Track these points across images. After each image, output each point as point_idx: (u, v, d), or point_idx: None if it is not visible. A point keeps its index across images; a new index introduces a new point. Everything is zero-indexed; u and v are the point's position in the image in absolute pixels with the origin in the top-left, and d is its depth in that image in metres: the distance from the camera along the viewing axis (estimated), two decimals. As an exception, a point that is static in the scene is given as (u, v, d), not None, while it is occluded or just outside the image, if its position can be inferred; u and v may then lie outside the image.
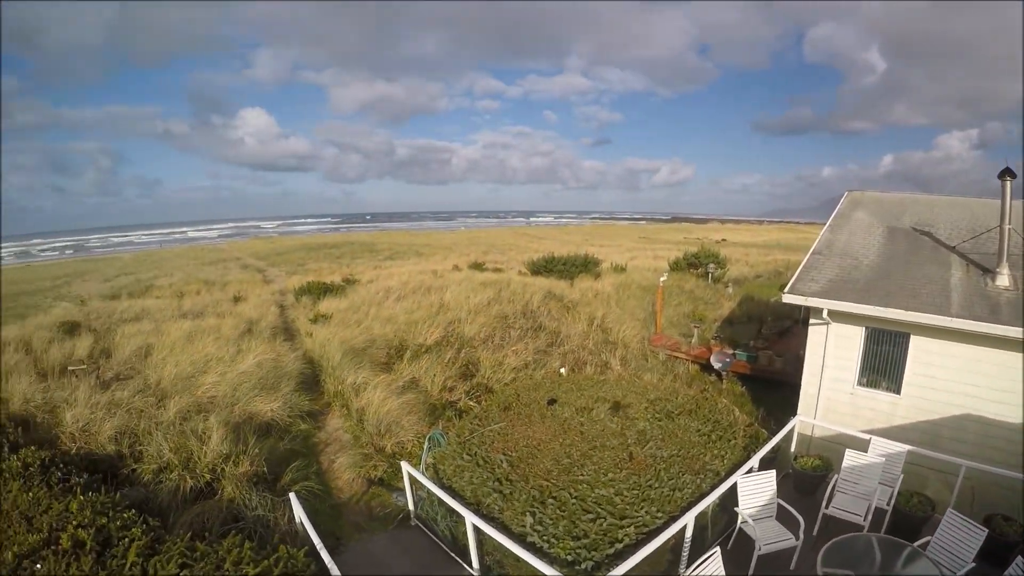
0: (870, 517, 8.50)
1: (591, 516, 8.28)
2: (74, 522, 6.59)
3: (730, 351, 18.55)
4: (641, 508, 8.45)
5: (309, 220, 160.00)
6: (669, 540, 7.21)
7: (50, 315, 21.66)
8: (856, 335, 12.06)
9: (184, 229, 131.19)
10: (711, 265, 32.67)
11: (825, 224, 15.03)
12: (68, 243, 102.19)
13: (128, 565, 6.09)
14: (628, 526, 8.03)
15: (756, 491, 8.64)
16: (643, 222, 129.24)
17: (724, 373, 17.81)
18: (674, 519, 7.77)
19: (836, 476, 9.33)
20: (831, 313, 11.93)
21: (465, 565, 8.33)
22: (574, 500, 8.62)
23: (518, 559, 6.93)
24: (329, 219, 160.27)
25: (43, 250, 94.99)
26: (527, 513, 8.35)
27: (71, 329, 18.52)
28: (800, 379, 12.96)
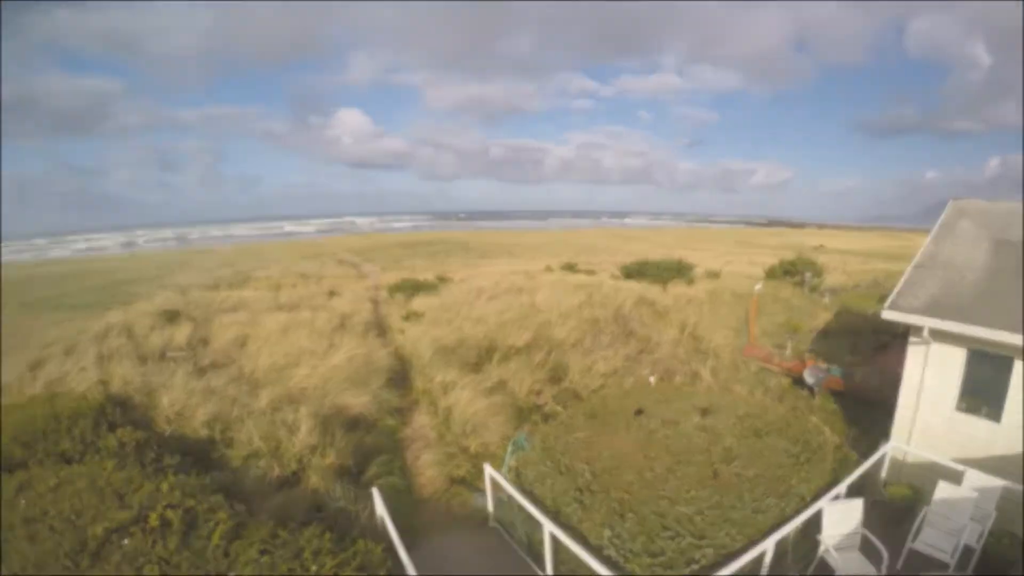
0: (957, 555, 7.97)
1: (670, 533, 8.30)
2: (163, 502, 6.78)
3: (824, 366, 17.97)
4: (721, 529, 8.40)
5: (404, 217, 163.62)
6: (747, 564, 7.00)
7: (152, 303, 22.70)
8: (957, 356, 11.26)
9: (282, 223, 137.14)
10: (807, 274, 31.59)
11: (928, 232, 14.40)
12: (171, 235, 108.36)
13: (212, 547, 6.27)
14: (707, 547, 8.03)
15: (841, 519, 8.21)
16: (739, 226, 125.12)
17: (817, 389, 17.36)
18: (754, 543, 7.55)
19: (926, 508, 8.74)
20: (932, 332, 11.33)
21: (539, 571, 8.20)
22: (654, 516, 8.60)
23: (592, 571, 6.80)
24: (423, 216, 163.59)
25: (148, 241, 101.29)
26: (606, 526, 8.39)
27: (171, 317, 19.64)
28: (895, 400, 12.52)
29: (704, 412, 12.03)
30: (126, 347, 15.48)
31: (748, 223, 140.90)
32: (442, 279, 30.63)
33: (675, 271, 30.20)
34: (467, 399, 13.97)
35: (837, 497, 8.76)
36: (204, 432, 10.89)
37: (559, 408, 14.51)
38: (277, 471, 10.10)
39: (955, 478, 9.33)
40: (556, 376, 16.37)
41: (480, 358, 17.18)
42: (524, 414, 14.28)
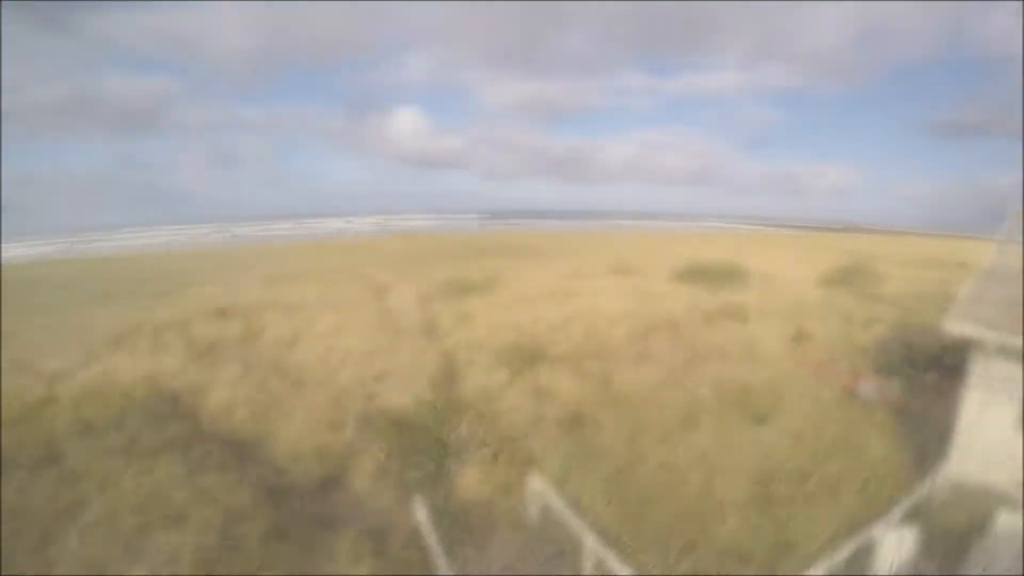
0: (1018, 587, 7.34)
1: (715, 554, 8.10)
2: (207, 498, 6.91)
3: (883, 381, 17.38)
4: (771, 553, 8.20)
5: (469, 215, 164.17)
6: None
7: (207, 298, 23.20)
8: (1021, 374, 10.90)
9: (343, 219, 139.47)
10: (871, 282, 30.60)
11: (997, 241, 13.66)
12: (237, 230, 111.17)
13: (252, 545, 6.33)
14: (754, 572, 7.86)
15: (895, 547, 7.90)
16: (805, 231, 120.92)
17: (873, 404, 16.71)
18: (806, 567, 7.49)
19: (985, 537, 8.34)
20: (995, 346, 10.86)
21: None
22: (700, 534, 8.40)
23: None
24: (481, 215, 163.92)
25: (207, 234, 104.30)
26: (650, 543, 8.30)
27: (223, 312, 20.10)
28: (955, 418, 11.91)
29: (758, 423, 11.56)
30: (176, 342, 15.90)
31: (815, 228, 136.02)
32: (495, 280, 30.23)
33: (734, 276, 29.53)
34: (514, 404, 13.85)
35: (893, 522, 8.48)
36: (249, 429, 10.97)
37: (607, 416, 13.99)
38: (321, 471, 10.09)
39: (1017, 504, 8.83)
40: (606, 382, 15.94)
41: (531, 362, 16.89)
42: (573, 421, 13.83)
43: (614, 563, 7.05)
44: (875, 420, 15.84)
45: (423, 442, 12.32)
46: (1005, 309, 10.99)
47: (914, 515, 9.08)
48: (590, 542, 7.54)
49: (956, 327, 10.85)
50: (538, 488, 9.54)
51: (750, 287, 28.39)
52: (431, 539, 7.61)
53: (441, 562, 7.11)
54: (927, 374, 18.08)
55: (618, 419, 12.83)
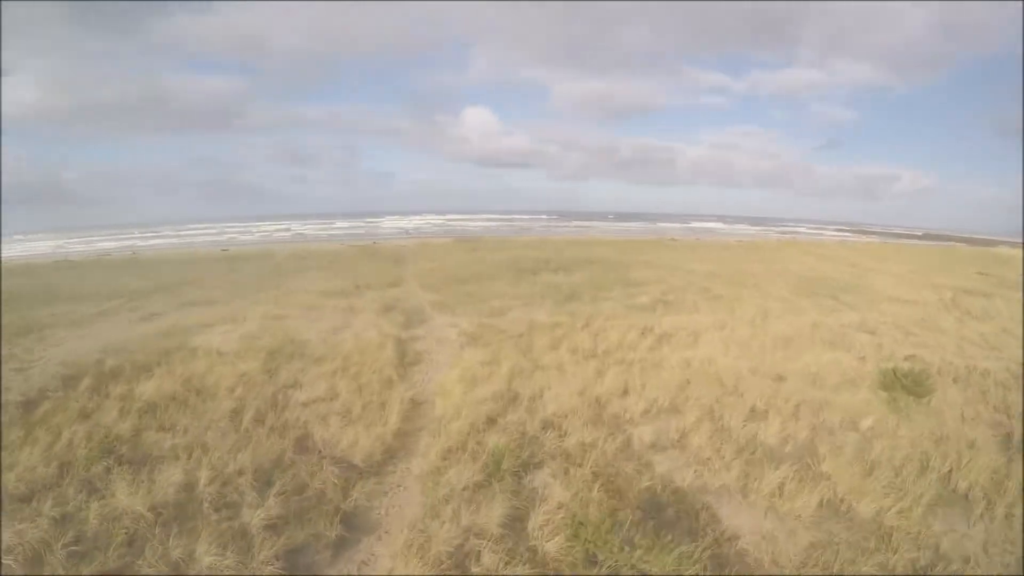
0: None
1: None
2: None
3: None
4: None
5: (541, 215, 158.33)
6: None
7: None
8: None
9: (422, 217, 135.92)
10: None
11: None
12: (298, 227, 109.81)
13: None
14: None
15: None
16: (876, 237, 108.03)
17: None
18: None
19: None
20: None
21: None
22: None
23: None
24: (555, 216, 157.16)
25: (276, 230, 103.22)
26: None
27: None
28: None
29: None
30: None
31: (888, 234, 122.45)
32: (589, 326, 16.79)
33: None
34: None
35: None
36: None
37: None
38: None
39: None
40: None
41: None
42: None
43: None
44: None
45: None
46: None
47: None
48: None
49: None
50: None
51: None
52: None
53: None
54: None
55: None
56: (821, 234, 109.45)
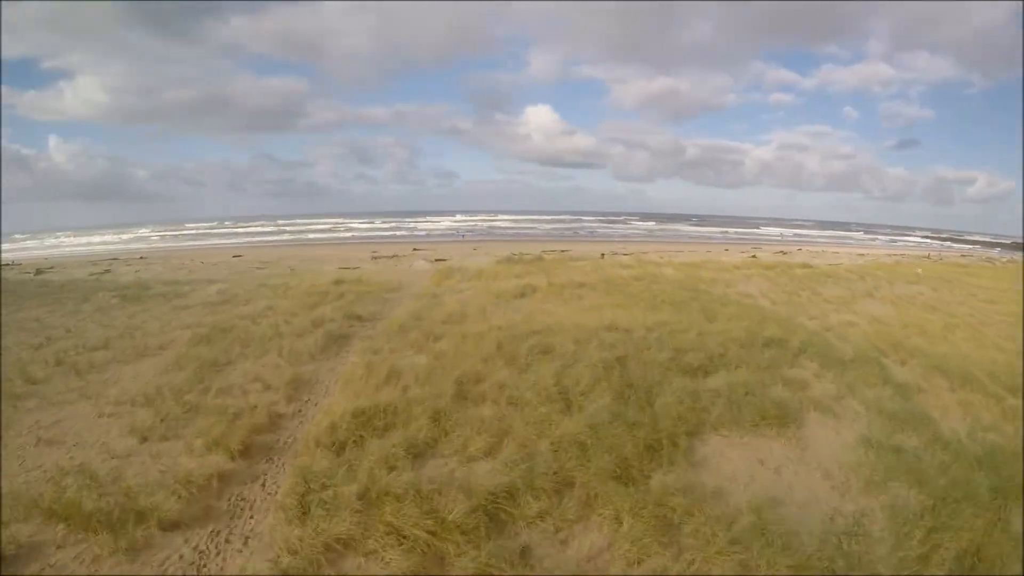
0: None
1: None
2: None
3: None
4: None
5: (611, 215, 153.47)
6: None
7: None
8: None
9: (487, 217, 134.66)
10: None
11: None
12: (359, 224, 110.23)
13: None
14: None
15: None
16: (951, 243, 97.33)
17: None
18: None
19: None
20: None
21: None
22: None
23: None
24: (620, 216, 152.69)
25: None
26: None
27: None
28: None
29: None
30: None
31: (964, 241, 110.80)
32: None
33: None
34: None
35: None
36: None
37: None
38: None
39: None
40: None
41: None
42: None
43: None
44: None
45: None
46: None
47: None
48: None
49: None
50: None
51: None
52: None
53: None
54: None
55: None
56: (904, 239, 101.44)
